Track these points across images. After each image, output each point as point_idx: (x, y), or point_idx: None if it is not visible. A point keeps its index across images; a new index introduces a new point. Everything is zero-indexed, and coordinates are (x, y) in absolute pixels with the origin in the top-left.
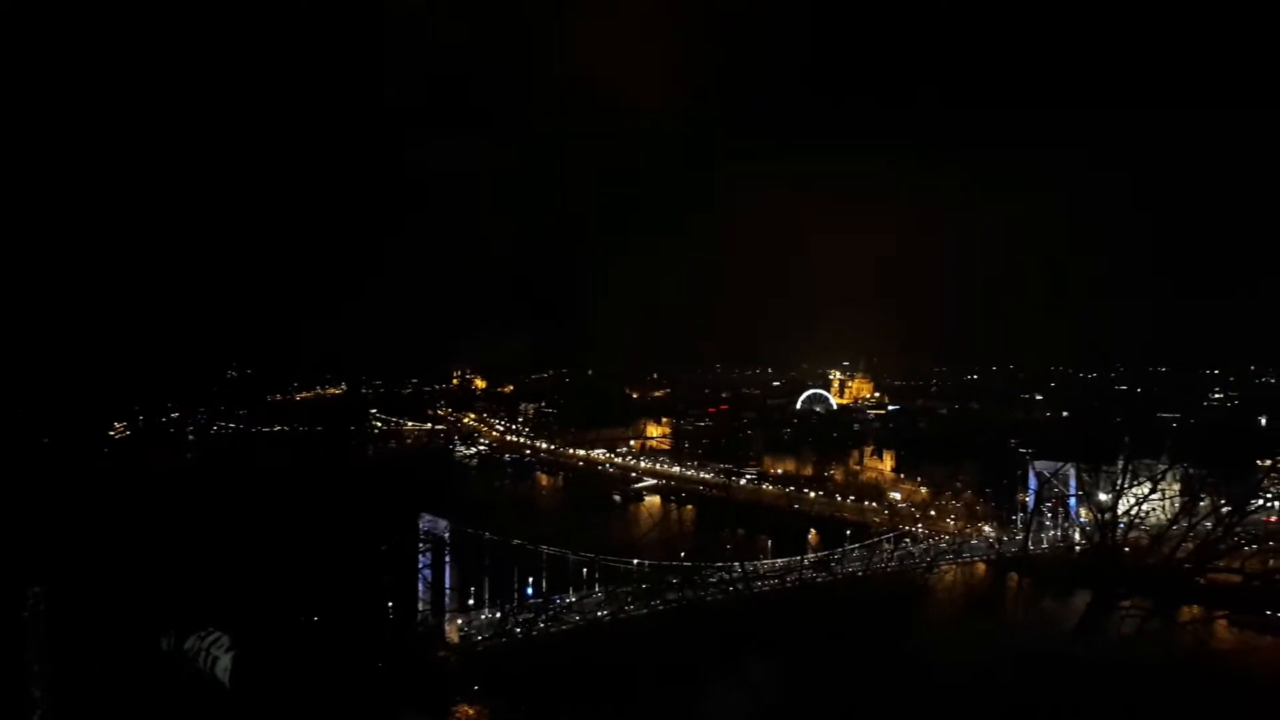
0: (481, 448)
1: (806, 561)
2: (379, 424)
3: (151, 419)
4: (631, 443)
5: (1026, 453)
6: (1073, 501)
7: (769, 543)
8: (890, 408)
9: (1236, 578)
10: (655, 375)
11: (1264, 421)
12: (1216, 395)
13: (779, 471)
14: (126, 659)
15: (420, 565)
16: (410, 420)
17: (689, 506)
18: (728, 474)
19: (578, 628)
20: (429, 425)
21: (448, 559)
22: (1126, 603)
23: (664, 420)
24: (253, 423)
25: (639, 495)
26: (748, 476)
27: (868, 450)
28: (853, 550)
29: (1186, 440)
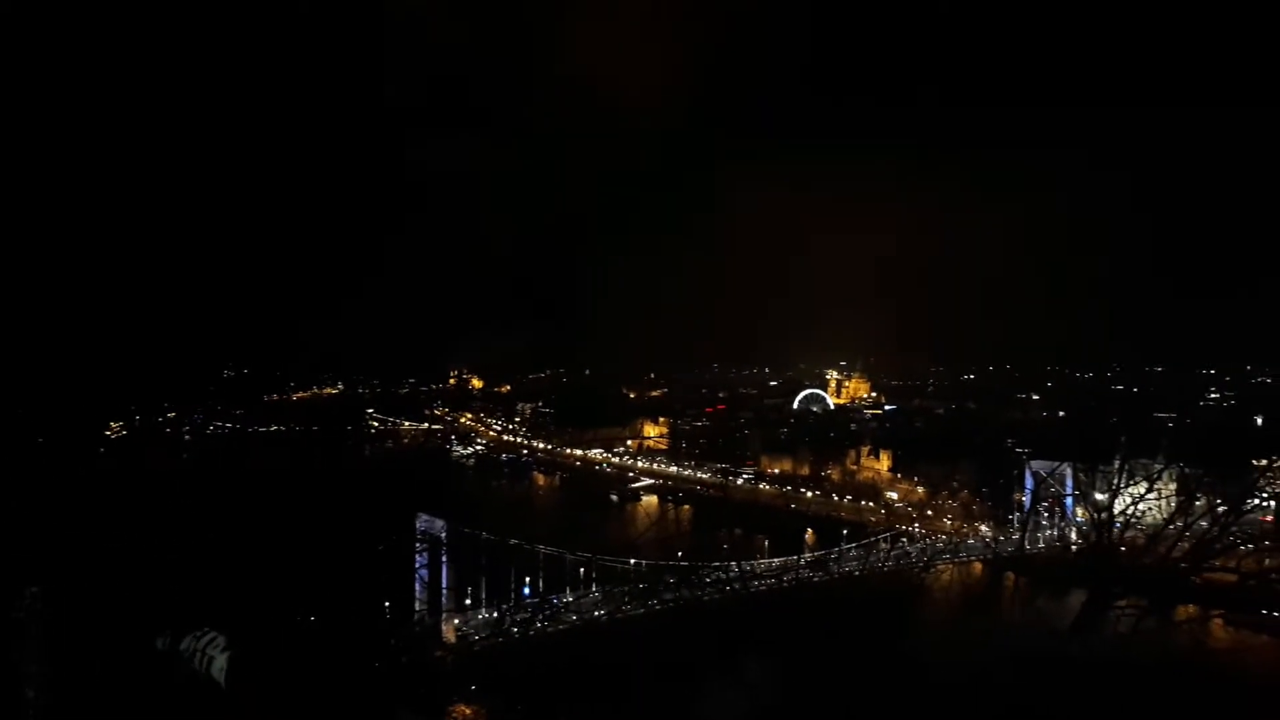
0: (478, 448)
1: (803, 561)
2: (376, 424)
3: (148, 419)
4: (629, 442)
5: (1023, 452)
6: (1069, 501)
7: (766, 542)
8: (887, 407)
9: (1232, 577)
10: (652, 375)
11: (1260, 421)
12: (1213, 395)
13: (776, 471)
14: (122, 659)
15: (417, 565)
16: (407, 420)
17: (686, 506)
18: (725, 474)
19: (575, 627)
20: (426, 425)
21: (444, 559)
22: (1123, 602)
23: (661, 420)
24: (249, 423)
25: (636, 495)
26: (745, 476)
27: (864, 450)
28: (849, 550)
29: (1183, 440)
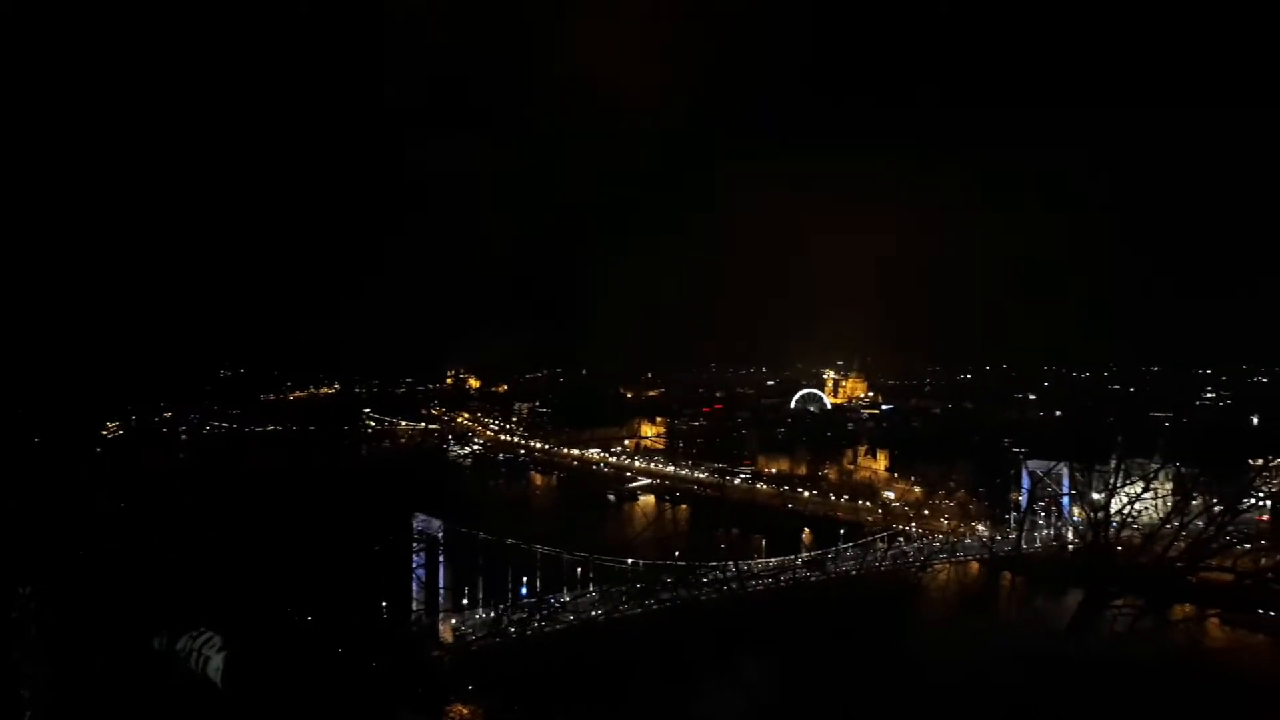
0: (475, 447)
1: (800, 561)
2: (373, 423)
3: (145, 418)
4: (626, 442)
5: (1020, 452)
6: (1066, 500)
7: (763, 542)
8: (884, 407)
9: (1228, 576)
10: (650, 375)
11: (1256, 421)
12: (1209, 395)
13: (773, 471)
14: (119, 659)
15: (414, 565)
16: (404, 420)
17: (683, 506)
18: (722, 473)
19: (572, 627)
20: (423, 425)
21: (442, 559)
22: (1119, 601)
23: (658, 420)
24: (246, 422)
25: (633, 495)
26: (742, 476)
27: (861, 450)
28: (846, 549)
29: (1179, 440)
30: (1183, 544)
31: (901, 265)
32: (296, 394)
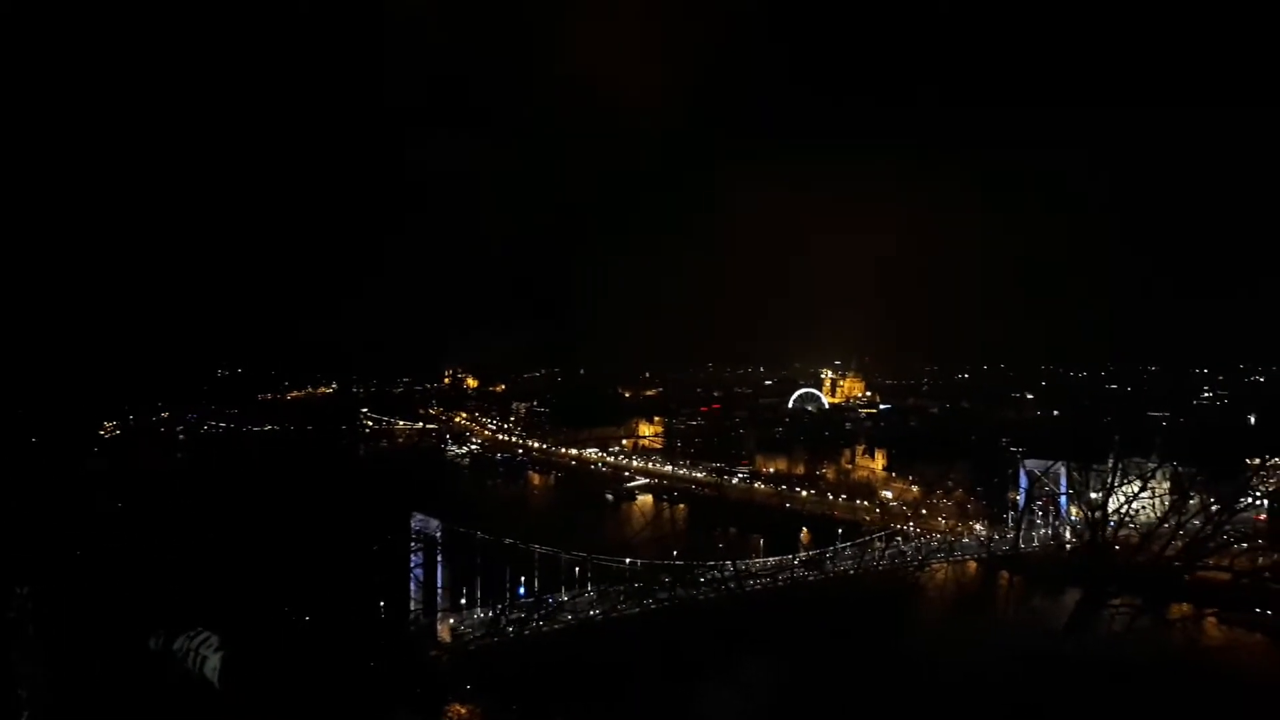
0: (473, 447)
1: (798, 560)
2: (370, 423)
3: (142, 418)
4: (624, 442)
5: (1017, 451)
6: (1063, 500)
7: (761, 541)
8: (882, 406)
9: (1226, 575)
10: (647, 374)
11: (1253, 420)
12: (1206, 394)
13: (771, 470)
14: (116, 659)
15: (412, 565)
16: (401, 419)
17: (681, 505)
18: (720, 473)
19: (570, 627)
20: (420, 424)
21: (440, 558)
22: (1117, 600)
23: (656, 419)
24: (244, 422)
25: (631, 494)
26: (740, 475)
27: (859, 449)
28: (844, 549)
29: (1176, 439)
30: (1180, 543)
31: (899, 265)
32: (294, 394)
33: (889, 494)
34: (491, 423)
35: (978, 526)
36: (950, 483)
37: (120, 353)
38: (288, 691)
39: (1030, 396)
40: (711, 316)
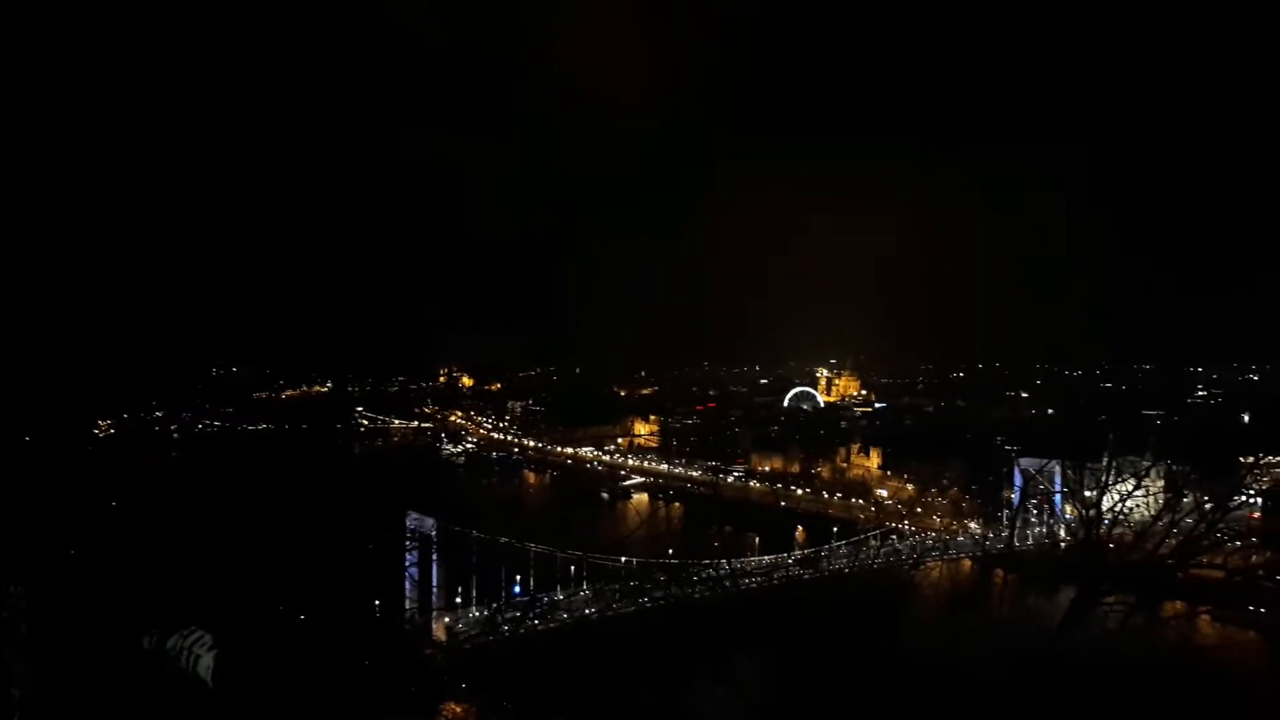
0: (469, 446)
1: (794, 559)
2: (365, 422)
3: (137, 417)
4: (619, 440)
5: (1012, 450)
6: (1058, 498)
7: (756, 540)
8: (877, 405)
9: (1219, 573)
10: (643, 373)
11: (1247, 419)
12: (1200, 393)
13: (766, 469)
14: (110, 658)
15: (407, 563)
16: (397, 418)
17: (677, 504)
18: (715, 471)
19: (565, 625)
20: (416, 423)
21: (435, 557)
22: (1111, 598)
23: (652, 418)
24: (238, 421)
25: (627, 493)
26: (735, 474)
27: (854, 447)
28: (839, 547)
29: (1171, 437)
30: (1174, 541)
31: (896, 264)
32: (289, 392)
33: (884, 492)
34: (487, 421)
35: (973, 525)
36: (945, 481)
37: (115, 352)
38: (283, 690)
39: (1025, 395)
40: (707, 315)
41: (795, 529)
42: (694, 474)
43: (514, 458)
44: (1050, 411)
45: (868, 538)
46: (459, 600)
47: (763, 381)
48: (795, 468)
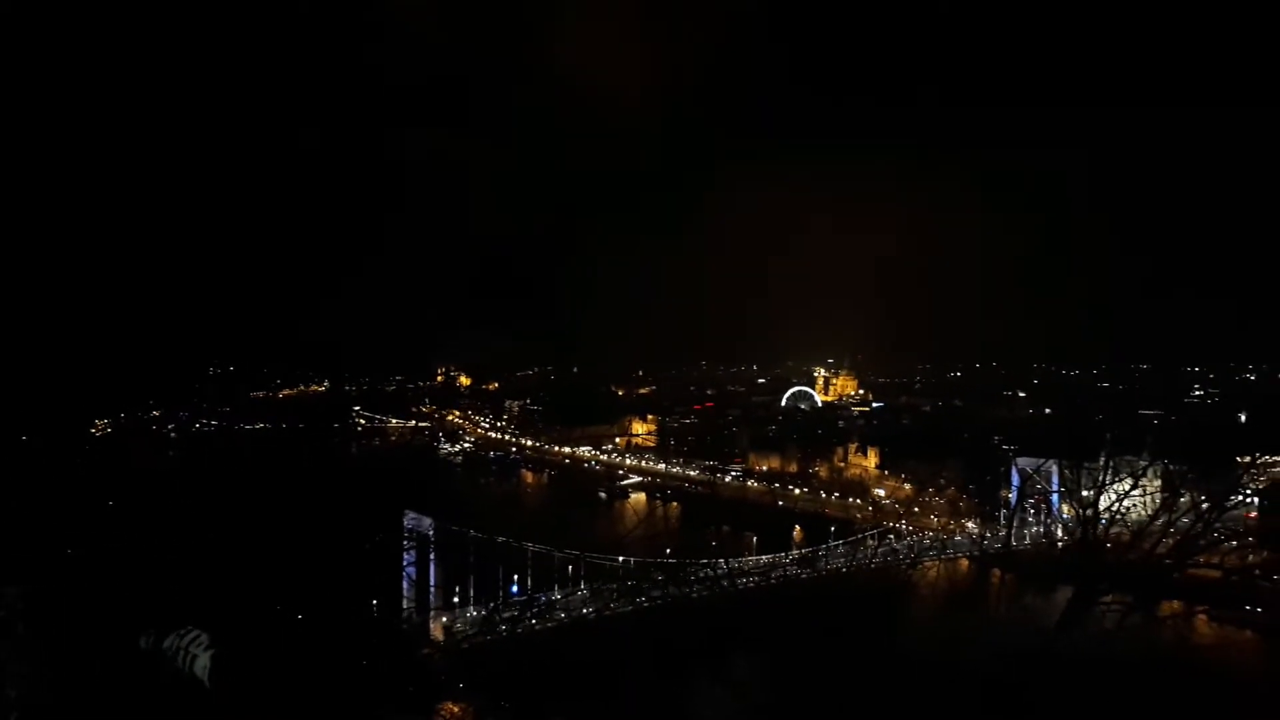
0: (466, 445)
1: (791, 558)
2: (363, 421)
3: (133, 416)
4: (617, 440)
5: (1009, 449)
6: (1055, 498)
7: (754, 539)
8: (874, 405)
9: (1216, 573)
10: (641, 373)
11: (1244, 418)
12: (1197, 392)
13: (764, 468)
14: (107, 658)
15: (405, 563)
16: (394, 418)
17: (674, 503)
18: (713, 471)
19: (563, 625)
20: (413, 423)
21: (432, 556)
22: (1108, 598)
23: (649, 417)
24: (235, 420)
25: (624, 492)
26: (733, 474)
27: (852, 447)
28: (837, 547)
29: (1168, 437)
30: (1171, 541)
31: (894, 264)
32: (286, 392)
33: (881, 492)
34: (484, 421)
35: (970, 524)
36: (943, 481)
37: (112, 351)
38: (280, 690)
39: (1022, 395)
40: (705, 315)
41: (793, 529)
42: (691, 473)
43: (511, 457)
44: (1048, 411)
45: (865, 537)
46: (457, 600)
47: (760, 381)
48: (793, 467)
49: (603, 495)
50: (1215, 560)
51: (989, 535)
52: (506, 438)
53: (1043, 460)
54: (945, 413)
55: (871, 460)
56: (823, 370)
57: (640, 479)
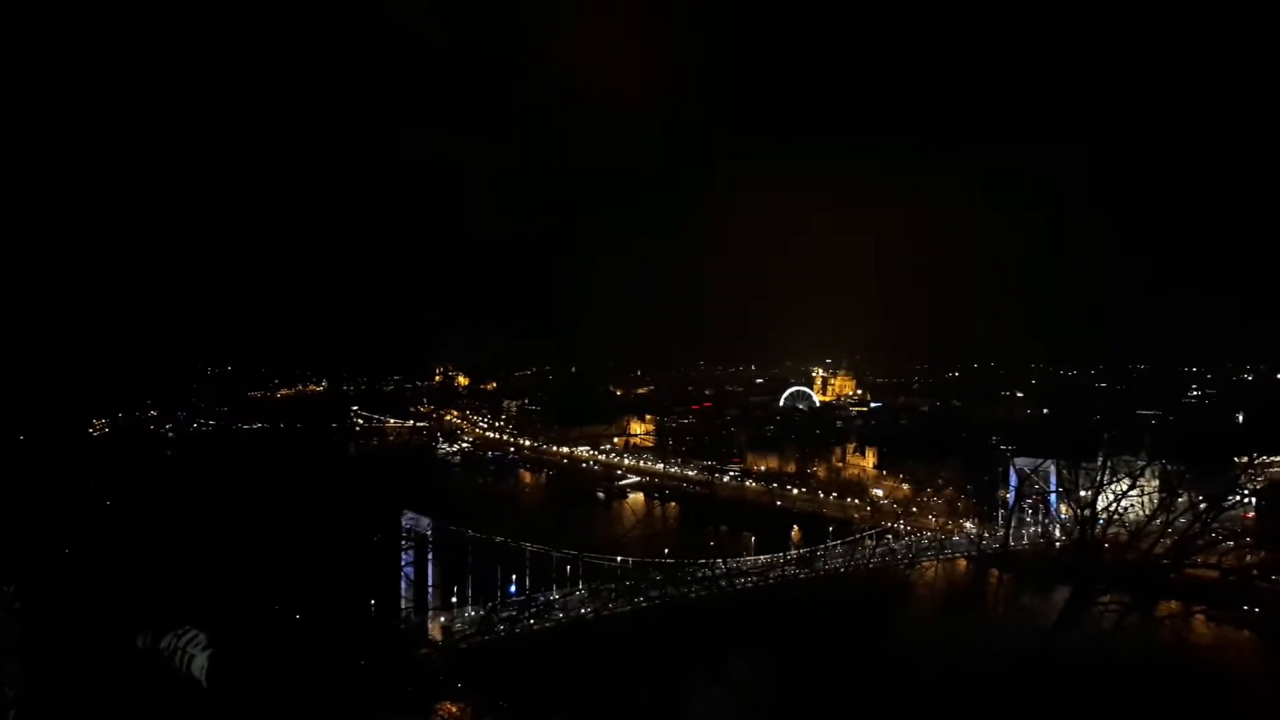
0: (464, 445)
1: (789, 558)
2: (361, 421)
3: (131, 416)
4: (615, 440)
5: (1007, 449)
6: (1053, 498)
7: (752, 539)
8: (873, 404)
9: (1214, 573)
10: (639, 373)
11: (1241, 418)
12: (1195, 393)
13: (762, 468)
14: (104, 658)
15: (403, 563)
16: (392, 417)
17: (672, 503)
18: (711, 471)
19: (561, 625)
20: (411, 422)
21: (430, 556)
22: (1106, 598)
23: (648, 417)
24: (233, 420)
25: (623, 492)
26: (731, 474)
27: (850, 447)
28: (835, 547)
29: (1165, 437)
30: (1169, 541)
31: (892, 265)
32: (284, 391)
33: (880, 492)
34: (483, 420)
35: (968, 524)
36: (941, 481)
37: (110, 351)
38: (278, 690)
39: (1020, 395)
40: (704, 315)
41: (791, 529)
42: (690, 473)
43: (510, 457)
44: (1045, 411)
45: (863, 537)
46: (455, 600)
47: (759, 381)
48: (791, 467)
49: (601, 495)
50: (1213, 560)
51: (987, 535)
52: (504, 437)
53: (1041, 460)
54: (943, 413)
55: (869, 460)
56: (821, 370)
57: (638, 479)
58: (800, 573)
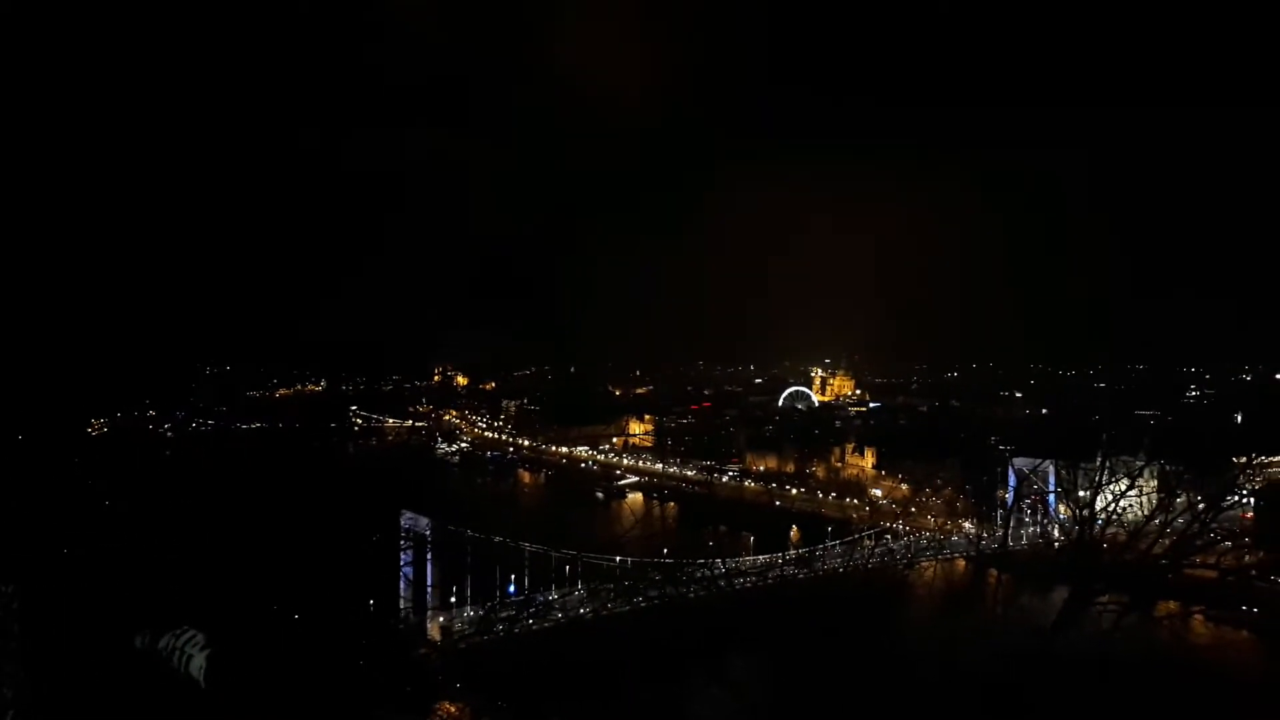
0: (463, 445)
1: (788, 558)
2: (359, 421)
3: (130, 416)
4: (614, 440)
5: (1006, 449)
6: (1052, 498)
7: (751, 539)
8: (871, 405)
9: (1212, 574)
10: (638, 372)
11: (1239, 418)
12: (1193, 393)
13: (761, 468)
14: (102, 658)
15: (401, 563)
16: (391, 417)
17: (671, 503)
18: (710, 471)
19: (560, 625)
20: (410, 422)
21: (429, 556)
22: (1104, 598)
23: (647, 417)
24: (232, 419)
25: (621, 492)
26: (730, 474)
27: (849, 447)
28: (834, 547)
29: (1164, 437)
30: (1167, 541)
31: (891, 264)
32: (283, 391)
33: (878, 492)
34: (481, 420)
35: (966, 524)
36: (939, 481)
37: (108, 351)
38: (276, 691)
39: (1019, 395)
40: (703, 315)
41: (790, 529)
42: (689, 473)
43: (509, 457)
44: (1044, 411)
45: (862, 537)
46: (454, 600)
47: (758, 381)
48: (790, 467)
49: (600, 495)
50: (1211, 561)
51: (985, 535)
52: (503, 437)
53: (1039, 460)
54: (942, 413)
55: (868, 460)
56: (820, 370)
57: (637, 479)
58: (799, 573)
